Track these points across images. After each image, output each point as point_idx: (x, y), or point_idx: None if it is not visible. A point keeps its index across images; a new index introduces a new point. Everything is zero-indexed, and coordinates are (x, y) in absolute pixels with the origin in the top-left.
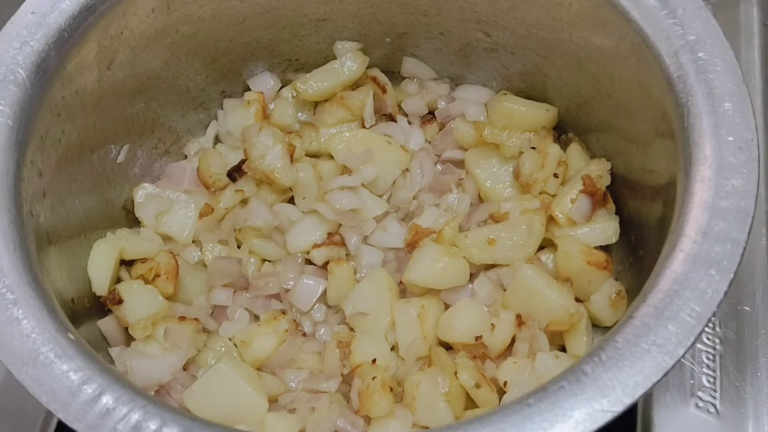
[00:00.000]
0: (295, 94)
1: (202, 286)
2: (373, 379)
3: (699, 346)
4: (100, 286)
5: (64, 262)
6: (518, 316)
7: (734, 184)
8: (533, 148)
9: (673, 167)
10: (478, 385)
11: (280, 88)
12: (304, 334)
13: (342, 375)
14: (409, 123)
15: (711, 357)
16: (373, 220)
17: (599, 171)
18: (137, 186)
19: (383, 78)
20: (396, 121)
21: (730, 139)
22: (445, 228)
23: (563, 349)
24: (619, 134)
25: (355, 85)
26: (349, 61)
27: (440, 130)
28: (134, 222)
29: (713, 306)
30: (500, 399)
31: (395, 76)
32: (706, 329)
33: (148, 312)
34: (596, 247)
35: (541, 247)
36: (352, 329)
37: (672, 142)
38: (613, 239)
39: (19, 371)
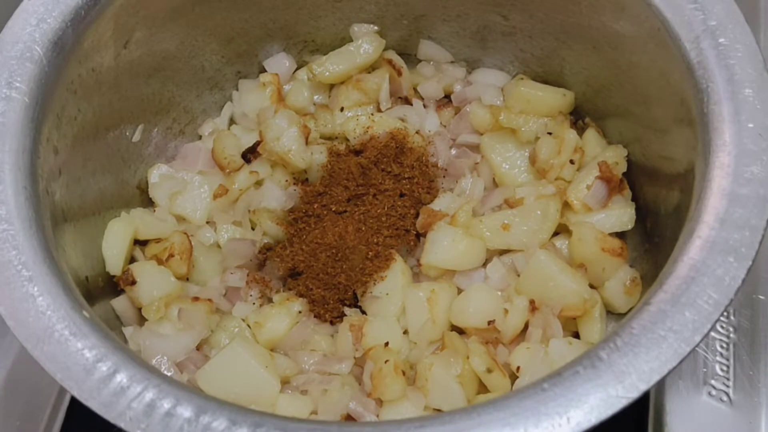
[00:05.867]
0: (310, 76)
1: (215, 267)
2: (385, 362)
3: (713, 334)
4: (114, 265)
5: (79, 240)
6: (531, 302)
7: (753, 171)
8: (549, 133)
9: (691, 154)
10: (489, 370)
11: (296, 69)
12: (317, 316)
13: (354, 358)
14: (425, 106)
15: (724, 345)
16: None
17: (616, 157)
18: (152, 166)
19: (399, 61)
20: (411, 105)
21: (750, 125)
22: (458, 212)
23: (576, 335)
24: (637, 120)
25: (371, 68)
26: (365, 44)
27: (456, 114)
28: (148, 202)
29: (731, 293)
30: (512, 385)
31: (411, 59)
32: (721, 317)
33: (161, 294)
34: (611, 234)
35: (555, 233)
36: (364, 312)
37: (690, 129)
38: (629, 226)
39: (34, 348)
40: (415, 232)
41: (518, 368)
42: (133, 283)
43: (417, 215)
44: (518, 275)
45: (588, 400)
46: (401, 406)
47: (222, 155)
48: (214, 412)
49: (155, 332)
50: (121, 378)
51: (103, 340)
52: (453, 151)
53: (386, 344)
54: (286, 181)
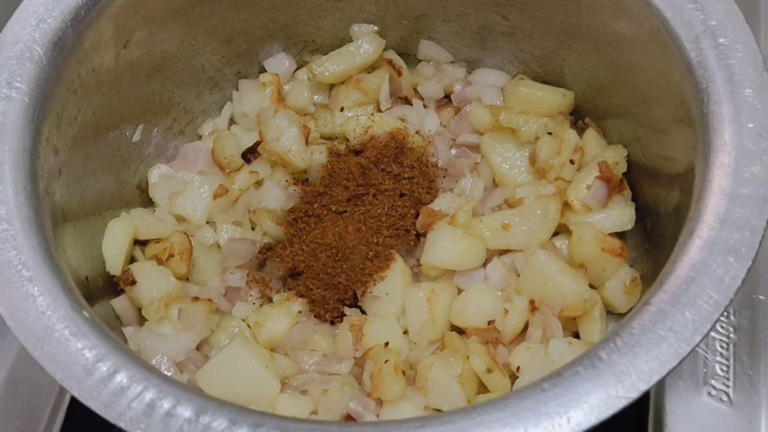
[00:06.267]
0: (310, 76)
1: (215, 267)
2: (385, 362)
3: (713, 334)
4: (114, 265)
5: (79, 240)
6: (531, 302)
7: (753, 171)
8: (550, 133)
9: (691, 154)
10: (489, 370)
11: (296, 69)
12: (317, 316)
13: (354, 358)
14: (425, 106)
15: (724, 345)
16: None
17: (616, 157)
18: (152, 166)
19: (399, 61)
20: (411, 105)
21: (750, 125)
22: (458, 212)
23: (577, 335)
24: (637, 120)
25: (371, 68)
26: (365, 44)
27: (456, 114)
28: (148, 201)
29: (731, 293)
30: (512, 385)
31: (411, 59)
32: (721, 317)
33: (161, 294)
34: (611, 234)
35: (555, 233)
36: (364, 312)
37: (690, 129)
38: (629, 226)
39: (34, 348)
40: (415, 232)
41: (518, 368)
42: (133, 283)
43: (417, 215)
44: (518, 275)
45: (588, 400)
46: (401, 406)
47: (222, 155)
48: (214, 412)
49: (155, 332)
50: (121, 378)
51: (103, 340)
52: (453, 151)
53: (386, 344)
54: (286, 181)
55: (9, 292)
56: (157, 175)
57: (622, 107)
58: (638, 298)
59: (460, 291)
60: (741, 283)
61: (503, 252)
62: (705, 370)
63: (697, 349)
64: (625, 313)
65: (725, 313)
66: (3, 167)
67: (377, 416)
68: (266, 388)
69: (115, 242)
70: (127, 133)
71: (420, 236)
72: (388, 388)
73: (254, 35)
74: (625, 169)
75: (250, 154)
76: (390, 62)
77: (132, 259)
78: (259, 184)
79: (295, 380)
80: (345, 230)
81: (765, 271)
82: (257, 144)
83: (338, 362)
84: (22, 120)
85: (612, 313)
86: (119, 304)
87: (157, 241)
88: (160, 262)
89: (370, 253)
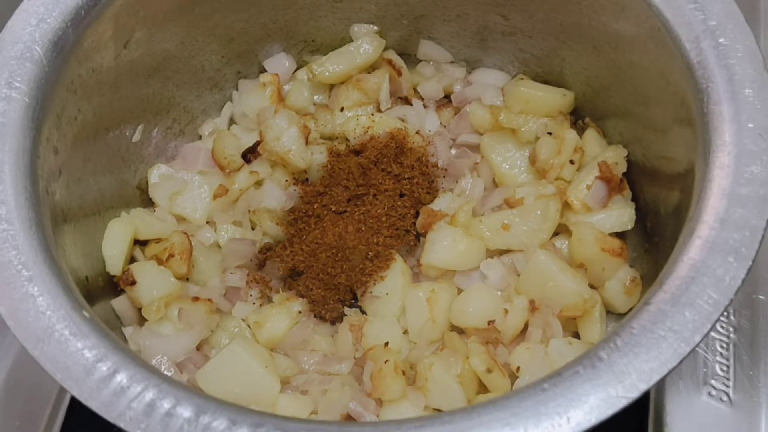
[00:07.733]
0: (310, 76)
1: (216, 267)
2: (385, 362)
3: (713, 334)
4: (114, 265)
5: (79, 240)
6: (531, 302)
7: (753, 171)
8: (550, 133)
9: (691, 154)
10: (489, 370)
11: (296, 69)
12: (317, 316)
13: (354, 358)
14: (425, 106)
15: (724, 345)
16: None
17: (616, 157)
18: (152, 166)
19: (399, 61)
20: (411, 105)
21: (750, 125)
22: (458, 212)
23: (577, 335)
24: (637, 120)
25: (371, 68)
26: (365, 44)
27: (456, 114)
28: (149, 202)
29: (731, 293)
30: (512, 385)
31: (411, 59)
32: (721, 317)
33: (161, 294)
34: (611, 234)
35: (555, 233)
36: (364, 312)
37: (690, 129)
38: (629, 226)
39: (34, 348)
40: (415, 232)
41: (518, 368)
42: (133, 283)
43: (417, 215)
44: (518, 275)
45: (588, 400)
46: (401, 406)
47: (222, 155)
48: (214, 412)
49: (155, 332)
50: (121, 378)
51: (103, 340)
52: (453, 151)
53: (386, 344)
54: (286, 181)
55: (9, 292)
56: (157, 175)
57: (622, 107)
58: (638, 298)
59: (460, 291)
60: (741, 283)
61: (503, 252)
62: (705, 370)
63: (697, 349)
64: (625, 313)
65: (725, 313)
66: (3, 167)
67: (377, 416)
68: (266, 388)
69: (115, 242)
70: (127, 133)
71: (420, 236)
72: (388, 388)
73: (254, 35)
74: (625, 169)
75: (250, 154)
76: (390, 62)
77: (132, 259)
78: (259, 184)
79: (295, 380)
80: (345, 230)
81: (765, 271)
82: (257, 144)
83: (338, 362)
84: (22, 120)
85: (612, 313)
86: (119, 304)
87: (157, 241)
88: (160, 262)
89: (370, 253)
